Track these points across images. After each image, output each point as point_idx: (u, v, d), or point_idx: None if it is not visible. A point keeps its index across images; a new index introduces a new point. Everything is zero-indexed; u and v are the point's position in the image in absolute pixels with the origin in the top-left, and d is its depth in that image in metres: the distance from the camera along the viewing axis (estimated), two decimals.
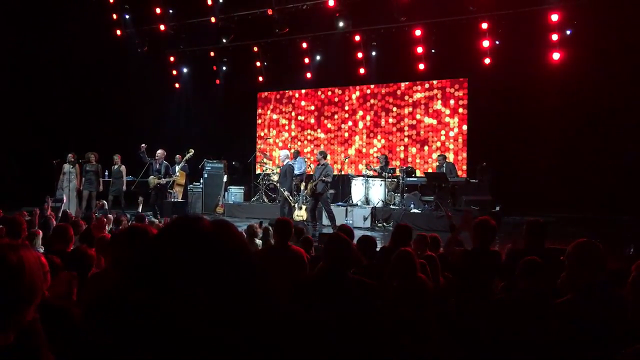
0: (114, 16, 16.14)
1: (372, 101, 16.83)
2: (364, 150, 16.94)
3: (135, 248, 1.04)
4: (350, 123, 17.14)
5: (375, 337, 3.29)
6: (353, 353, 3.15)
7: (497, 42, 13.30)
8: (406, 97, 16.35)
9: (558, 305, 2.72)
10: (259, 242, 7.01)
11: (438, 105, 15.87)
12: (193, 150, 13.98)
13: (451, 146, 15.58)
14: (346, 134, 17.20)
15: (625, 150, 12.04)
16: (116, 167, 13.20)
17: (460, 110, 15.61)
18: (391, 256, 4.73)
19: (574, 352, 2.58)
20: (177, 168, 13.92)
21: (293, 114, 18.07)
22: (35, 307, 1.47)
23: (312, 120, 17.72)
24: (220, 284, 0.95)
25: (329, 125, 17.47)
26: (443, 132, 15.78)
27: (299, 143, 17.65)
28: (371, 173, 14.17)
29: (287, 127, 18.15)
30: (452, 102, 15.70)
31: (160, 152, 13.11)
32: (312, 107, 17.77)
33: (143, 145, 12.95)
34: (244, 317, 0.96)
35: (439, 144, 15.80)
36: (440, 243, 6.13)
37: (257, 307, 1.00)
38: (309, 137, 17.78)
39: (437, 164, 13.73)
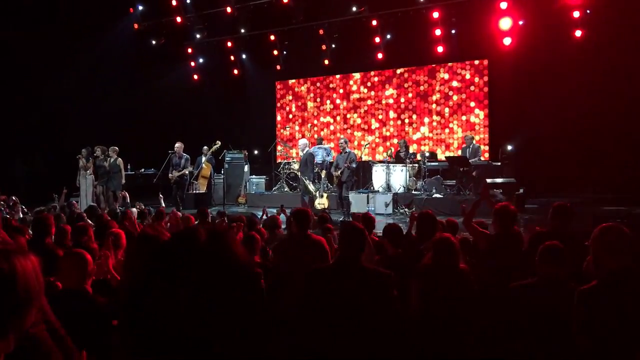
0: (131, 9, 16.23)
1: (390, 86, 16.68)
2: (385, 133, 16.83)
3: (143, 254, 1.04)
4: (369, 117, 17.03)
5: (386, 329, 3.27)
6: (363, 343, 3.14)
7: (521, 22, 13.03)
8: (426, 80, 16.18)
9: (583, 292, 2.65)
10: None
11: (458, 87, 15.69)
12: (220, 142, 13.99)
13: (475, 128, 15.39)
14: (365, 120, 17.09)
15: None
16: (112, 160, 12.79)
17: (481, 92, 15.40)
18: (417, 246, 4.70)
19: (600, 340, 2.52)
20: (204, 159, 13.96)
21: (311, 102, 18.01)
22: (37, 312, 1.45)
23: (331, 107, 17.64)
24: (214, 290, 0.94)
25: (349, 113, 17.38)
26: (464, 115, 15.60)
27: (318, 129, 17.60)
28: (387, 159, 14.06)
29: (306, 115, 18.10)
30: (472, 84, 15.50)
31: (178, 145, 13.13)
32: (331, 94, 17.68)
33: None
34: (237, 318, 0.96)
35: (459, 129, 15.63)
36: (458, 227, 6.06)
37: (250, 310, 0.99)
38: (328, 125, 17.72)
39: (465, 144, 13.49)
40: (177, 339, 0.93)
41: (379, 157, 16.31)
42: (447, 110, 15.87)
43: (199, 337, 0.95)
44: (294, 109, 18.29)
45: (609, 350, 2.50)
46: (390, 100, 16.69)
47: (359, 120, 17.24)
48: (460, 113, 15.67)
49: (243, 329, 1.01)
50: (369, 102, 17.03)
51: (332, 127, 17.67)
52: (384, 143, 16.73)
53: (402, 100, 16.50)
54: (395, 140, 16.11)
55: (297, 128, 18.17)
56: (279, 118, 18.53)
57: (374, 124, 16.98)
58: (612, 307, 2.55)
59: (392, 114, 16.68)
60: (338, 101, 17.53)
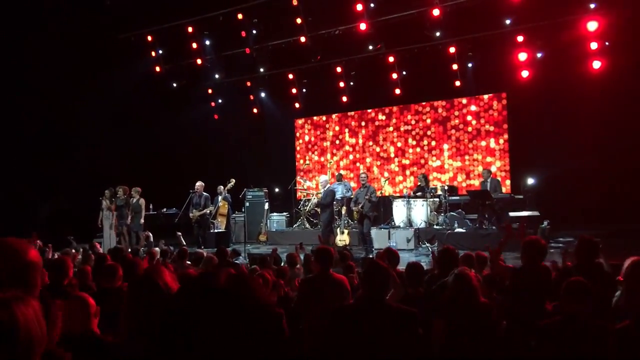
0: (152, 53, 16.63)
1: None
2: (406, 171, 16.80)
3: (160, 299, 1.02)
4: (388, 144, 17.07)
5: None
6: None
7: (539, 55, 13.05)
8: (444, 105, 16.20)
9: (618, 331, 2.55)
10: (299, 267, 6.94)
11: (477, 111, 15.71)
12: (234, 180, 14.11)
13: (496, 163, 15.32)
14: (384, 154, 17.11)
15: None
16: (135, 200, 12.93)
17: (500, 115, 15.38)
18: (437, 282, 4.61)
19: None
20: (220, 198, 14.05)
21: (331, 137, 18.13)
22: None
23: (352, 142, 17.73)
24: (238, 335, 0.92)
25: (368, 142, 17.44)
26: (483, 141, 15.58)
27: (337, 160, 17.65)
28: (411, 194, 13.97)
29: (326, 152, 18.19)
30: (492, 117, 15.49)
31: (199, 184, 13.25)
32: (350, 142, 17.77)
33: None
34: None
35: (479, 157, 15.56)
36: (487, 261, 5.96)
37: (274, 351, 0.97)
38: (348, 160, 17.77)
39: (482, 179, 13.40)
40: None
41: (400, 187, 16.29)
42: (466, 136, 15.86)
43: None
44: (313, 144, 18.42)
45: None
46: (409, 127, 16.74)
47: (377, 149, 17.27)
48: (480, 139, 15.65)
49: None
50: (389, 128, 17.08)
51: (351, 157, 17.72)
52: (404, 172, 16.71)
53: (421, 125, 16.55)
54: (415, 168, 16.22)
55: (315, 158, 18.27)
56: (297, 156, 18.65)
57: (392, 153, 17.01)
58: None
59: (410, 141, 16.72)
60: (355, 136, 17.60)
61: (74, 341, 3.06)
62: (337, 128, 18.02)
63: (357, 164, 17.51)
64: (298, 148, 18.72)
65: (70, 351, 2.51)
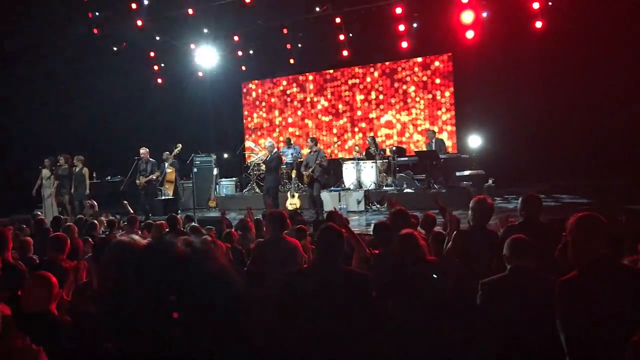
0: (90, 14, 15.83)
1: (357, 88, 16.78)
2: (356, 134, 16.88)
3: (119, 267, 0.97)
4: (340, 106, 17.08)
5: (366, 328, 3.23)
6: (342, 343, 3.09)
7: (485, 14, 13.16)
8: (392, 76, 16.30)
9: (563, 283, 2.63)
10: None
11: (423, 81, 15.88)
12: (181, 145, 13.78)
13: (440, 122, 15.60)
14: (332, 110, 17.12)
15: (611, 115, 12.04)
16: (78, 169, 12.51)
17: (445, 85, 15.60)
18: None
19: (583, 330, 2.51)
20: (167, 165, 13.74)
21: (277, 101, 17.97)
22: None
23: (299, 106, 17.64)
24: (199, 306, 0.89)
25: (316, 97, 17.42)
26: (430, 94, 15.83)
27: (289, 130, 17.56)
28: (359, 155, 14.06)
29: (273, 116, 18.05)
30: (437, 78, 15.68)
31: (143, 150, 12.89)
32: (298, 94, 17.67)
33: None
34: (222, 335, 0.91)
35: (428, 124, 15.79)
36: (435, 221, 6.07)
37: (235, 323, 0.94)
38: (296, 132, 17.71)
39: (427, 140, 13.60)
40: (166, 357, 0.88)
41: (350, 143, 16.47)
42: (412, 88, 16.04)
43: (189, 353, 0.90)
44: (261, 108, 18.23)
45: (592, 340, 2.49)
46: (357, 80, 16.80)
47: (326, 104, 17.25)
48: (427, 92, 15.84)
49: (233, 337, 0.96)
50: (334, 99, 17.10)
51: (299, 113, 17.66)
52: (352, 129, 16.85)
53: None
54: (364, 124, 16.47)
55: (264, 115, 18.19)
56: (245, 120, 18.43)
57: (342, 107, 17.04)
58: (594, 296, 2.54)
59: (359, 96, 16.77)
60: (303, 100, 17.52)
61: (32, 321, 2.99)
62: (284, 83, 17.90)
63: (306, 120, 17.48)
64: (246, 113, 18.48)
65: (29, 333, 2.44)
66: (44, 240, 5.60)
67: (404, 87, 16.15)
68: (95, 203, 12.12)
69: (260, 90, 18.33)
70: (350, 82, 16.90)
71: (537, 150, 13.00)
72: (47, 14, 14.07)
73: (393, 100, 16.29)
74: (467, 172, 12.54)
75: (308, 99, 17.51)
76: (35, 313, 3.13)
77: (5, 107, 14.21)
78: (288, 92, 17.86)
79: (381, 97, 16.46)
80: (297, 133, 17.53)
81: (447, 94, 15.61)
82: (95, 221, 7.91)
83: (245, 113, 18.50)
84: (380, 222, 4.92)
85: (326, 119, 17.25)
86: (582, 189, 11.60)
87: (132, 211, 10.43)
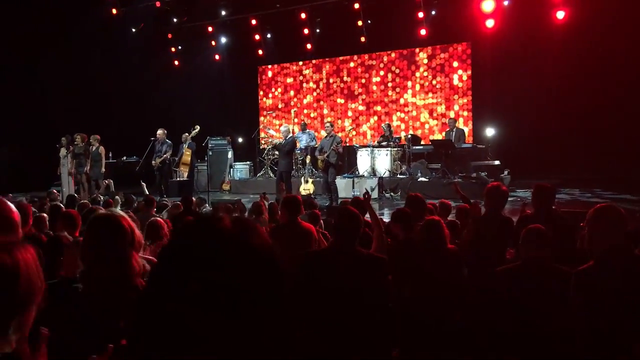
0: None
1: (374, 69, 16.68)
2: (371, 120, 16.84)
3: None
4: (356, 87, 17.02)
5: (381, 313, 3.25)
6: (358, 327, 3.12)
7: (506, 3, 12.99)
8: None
9: (580, 273, 2.63)
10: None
11: (440, 64, 15.77)
12: (199, 127, 13.82)
13: (456, 106, 15.50)
14: (348, 85, 17.08)
15: (633, 109, 11.87)
16: (94, 148, 12.54)
17: (463, 81, 15.47)
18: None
19: (599, 320, 2.51)
20: (185, 146, 13.79)
21: (293, 81, 17.97)
22: (37, 308, 1.38)
23: (314, 87, 17.61)
24: (245, 284, 0.88)
25: (332, 97, 17.36)
26: (446, 77, 15.73)
27: (303, 118, 17.54)
28: (375, 143, 14.02)
29: (289, 97, 18.04)
30: (454, 61, 15.55)
31: (160, 131, 12.96)
32: (314, 78, 17.62)
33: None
34: (267, 316, 0.91)
35: (444, 108, 15.70)
36: (450, 209, 6.07)
37: (278, 304, 0.94)
38: (311, 114, 17.69)
39: (448, 128, 13.49)
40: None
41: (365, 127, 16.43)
42: (430, 72, 15.96)
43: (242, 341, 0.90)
44: (277, 92, 18.23)
45: (608, 330, 2.49)
46: (373, 62, 16.73)
47: (342, 85, 17.23)
48: (443, 75, 15.76)
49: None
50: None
51: (315, 94, 17.65)
52: (368, 111, 16.81)
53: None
54: (379, 107, 16.44)
55: (280, 106, 18.21)
56: (261, 104, 18.45)
57: (357, 90, 16.98)
58: (609, 286, 2.54)
59: (374, 78, 16.71)
60: (320, 85, 17.49)
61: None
62: (300, 63, 17.85)
63: (321, 102, 17.46)
64: (261, 93, 18.48)
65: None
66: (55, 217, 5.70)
67: (421, 69, 16.03)
68: (112, 182, 12.24)
69: (276, 70, 18.28)
70: (367, 62, 16.81)
71: (555, 143, 12.88)
72: None
73: (409, 84, 16.18)
74: (482, 163, 12.48)
75: (323, 81, 17.45)
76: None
77: (25, 87, 14.35)
78: (304, 72, 17.79)
79: (397, 79, 16.35)
80: (312, 115, 17.51)
81: (464, 77, 15.46)
82: (111, 199, 7.99)
83: (261, 93, 18.50)
84: (400, 208, 4.86)
85: (341, 101, 17.19)
86: (600, 183, 11.51)
87: (147, 192, 10.50)
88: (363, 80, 16.87)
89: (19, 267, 1.32)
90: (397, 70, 16.37)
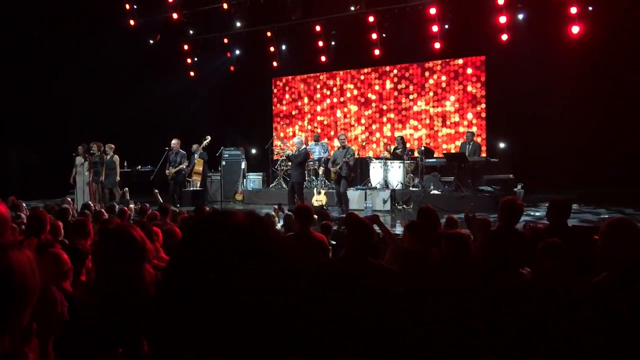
0: (127, 6, 16.11)
1: (388, 82, 16.73)
2: (384, 133, 16.86)
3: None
4: (372, 105, 17.07)
5: (392, 325, 3.24)
6: (370, 338, 3.11)
7: (520, 17, 13.01)
8: (424, 76, 16.22)
9: (594, 285, 2.63)
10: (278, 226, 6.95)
11: (456, 84, 15.77)
12: (210, 137, 13.95)
13: (470, 115, 15.52)
14: (362, 98, 17.12)
15: None
16: (108, 157, 12.67)
17: (477, 88, 15.45)
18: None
19: (612, 331, 2.50)
20: (196, 156, 13.91)
21: (306, 88, 18.06)
22: (31, 311, 1.38)
23: (328, 94, 17.69)
24: (260, 277, 0.89)
25: (345, 109, 17.42)
26: (457, 112, 15.67)
27: (316, 127, 17.61)
28: (387, 155, 14.01)
29: (303, 103, 18.13)
30: (469, 80, 15.55)
31: (174, 141, 13.10)
32: (328, 91, 17.70)
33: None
34: (281, 310, 0.91)
35: (457, 117, 15.69)
36: (457, 224, 6.04)
37: (292, 298, 0.94)
38: (324, 121, 17.75)
39: (465, 140, 13.42)
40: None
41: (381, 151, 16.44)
42: (444, 78, 15.97)
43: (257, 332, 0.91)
44: (290, 104, 18.33)
45: (622, 342, 2.47)
46: (387, 68, 16.80)
47: (355, 92, 17.28)
48: (457, 82, 15.76)
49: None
50: (364, 98, 17.11)
51: (328, 101, 17.72)
52: (381, 119, 16.84)
53: (400, 95, 16.60)
54: (392, 115, 16.44)
55: (294, 113, 18.29)
56: (275, 115, 18.54)
57: (371, 95, 17.03)
58: (626, 298, 2.53)
59: (388, 84, 16.74)
60: (333, 97, 17.56)
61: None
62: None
63: (335, 109, 17.51)
64: (275, 99, 18.58)
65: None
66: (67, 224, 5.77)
67: (435, 76, 16.06)
68: (127, 190, 12.36)
69: (290, 77, 18.40)
70: (380, 70, 16.90)
71: (569, 157, 12.81)
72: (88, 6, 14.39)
73: (423, 92, 16.20)
74: (496, 176, 12.44)
75: (336, 88, 17.54)
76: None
77: (43, 98, 14.57)
78: (315, 102, 17.93)
79: (411, 87, 16.38)
80: (325, 122, 17.57)
81: (478, 85, 15.46)
82: (126, 207, 8.06)
83: (275, 100, 18.60)
84: (414, 221, 4.77)
85: (354, 107, 17.24)
86: (615, 199, 11.40)
87: (162, 201, 10.59)
88: (376, 87, 16.92)
89: (13, 269, 1.31)
90: (411, 77, 16.42)
